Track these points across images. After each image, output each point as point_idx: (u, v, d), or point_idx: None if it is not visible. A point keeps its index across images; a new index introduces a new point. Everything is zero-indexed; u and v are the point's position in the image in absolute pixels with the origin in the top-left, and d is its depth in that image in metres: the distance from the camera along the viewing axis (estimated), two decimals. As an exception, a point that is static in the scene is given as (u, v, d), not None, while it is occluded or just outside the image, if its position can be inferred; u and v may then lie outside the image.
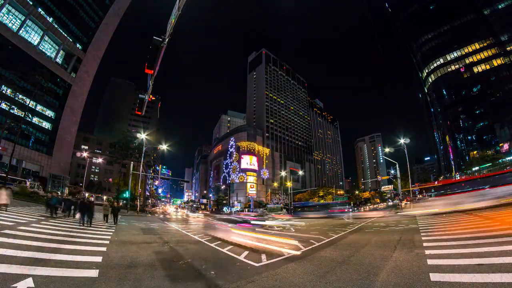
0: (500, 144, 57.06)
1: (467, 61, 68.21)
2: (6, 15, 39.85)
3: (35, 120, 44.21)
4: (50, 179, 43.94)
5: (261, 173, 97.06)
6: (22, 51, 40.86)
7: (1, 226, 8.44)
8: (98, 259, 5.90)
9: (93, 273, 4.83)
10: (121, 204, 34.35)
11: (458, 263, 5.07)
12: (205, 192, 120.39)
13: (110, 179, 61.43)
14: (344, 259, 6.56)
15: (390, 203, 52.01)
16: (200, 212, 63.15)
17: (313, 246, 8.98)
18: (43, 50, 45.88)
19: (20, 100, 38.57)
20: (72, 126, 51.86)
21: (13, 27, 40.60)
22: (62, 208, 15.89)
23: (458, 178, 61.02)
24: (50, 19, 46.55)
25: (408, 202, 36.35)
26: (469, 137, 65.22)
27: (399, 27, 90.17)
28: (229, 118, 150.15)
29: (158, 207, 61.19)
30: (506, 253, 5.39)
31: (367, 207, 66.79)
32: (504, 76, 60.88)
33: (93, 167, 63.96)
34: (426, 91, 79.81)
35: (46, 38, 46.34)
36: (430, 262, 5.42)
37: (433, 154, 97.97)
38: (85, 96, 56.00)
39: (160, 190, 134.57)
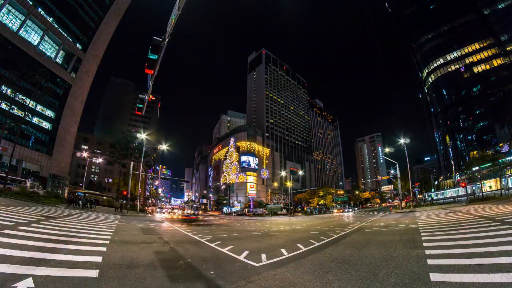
0: (500, 144, 57.07)
1: (467, 61, 68.25)
2: (6, 15, 39.83)
3: (35, 120, 44.20)
4: (50, 179, 43.97)
5: (261, 173, 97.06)
6: (22, 51, 40.82)
7: (1, 226, 8.44)
8: (98, 259, 5.90)
9: (93, 273, 4.83)
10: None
11: (458, 263, 5.07)
12: (205, 192, 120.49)
13: (110, 180, 61.43)
14: (344, 259, 6.56)
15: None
16: (201, 212, 63.05)
17: (313, 246, 8.98)
18: (43, 50, 45.87)
19: (20, 100, 38.57)
20: (72, 126, 51.83)
21: (13, 27, 40.58)
22: None
23: (458, 178, 61.07)
24: (50, 19, 46.53)
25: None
26: (469, 137, 65.26)
27: (399, 27, 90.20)
28: (229, 118, 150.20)
29: (157, 207, 60.98)
30: (506, 253, 5.39)
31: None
32: (504, 76, 60.92)
33: (93, 167, 63.94)
34: (426, 91, 79.86)
35: (46, 38, 46.33)
36: (430, 262, 5.42)
37: (433, 154, 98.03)
38: (85, 96, 55.99)
39: (160, 190, 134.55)
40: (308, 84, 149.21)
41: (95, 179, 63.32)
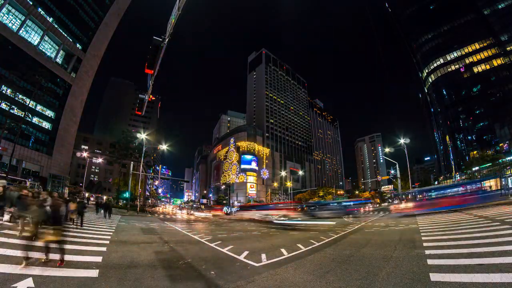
0: (500, 144, 57.06)
1: (467, 61, 68.23)
2: (6, 15, 39.82)
3: (35, 120, 44.19)
4: (50, 179, 43.95)
5: (261, 173, 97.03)
6: (22, 51, 40.79)
7: (1, 226, 8.44)
8: (98, 259, 5.90)
9: (93, 273, 4.83)
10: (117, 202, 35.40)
11: (458, 263, 5.07)
12: (205, 192, 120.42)
13: (110, 179, 61.46)
14: (344, 259, 6.56)
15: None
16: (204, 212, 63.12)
17: (313, 246, 8.98)
18: (43, 50, 45.85)
19: (20, 100, 38.56)
20: (72, 126, 51.81)
21: (13, 27, 40.56)
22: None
23: (458, 178, 61.07)
24: (50, 19, 46.52)
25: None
26: (469, 137, 65.21)
27: (399, 27, 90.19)
28: (229, 118, 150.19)
29: (158, 207, 61.13)
30: (506, 253, 5.39)
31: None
32: (504, 76, 60.90)
33: (93, 167, 63.95)
34: (426, 91, 79.83)
35: (46, 38, 46.31)
36: (430, 262, 5.42)
37: (433, 154, 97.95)
38: (85, 96, 55.96)
39: (160, 190, 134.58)
40: (308, 84, 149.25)
41: (95, 179, 63.31)
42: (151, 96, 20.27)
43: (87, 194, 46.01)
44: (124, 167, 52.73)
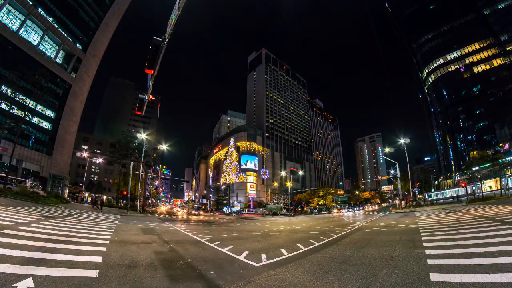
0: (500, 144, 57.08)
1: (467, 61, 68.26)
2: (6, 15, 39.82)
3: (35, 120, 44.18)
4: (50, 179, 43.95)
5: (261, 173, 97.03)
6: (22, 51, 40.79)
7: (1, 226, 8.45)
8: (98, 259, 5.89)
9: (93, 273, 4.82)
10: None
11: (458, 263, 5.06)
12: (205, 192, 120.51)
13: (110, 180, 61.45)
14: (344, 259, 6.56)
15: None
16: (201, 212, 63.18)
17: (313, 246, 8.98)
18: (43, 50, 45.85)
19: (20, 100, 38.54)
20: (72, 126, 51.79)
21: (13, 27, 40.57)
22: None
23: (458, 178, 61.08)
24: (50, 19, 46.51)
25: None
26: (469, 137, 65.25)
27: (399, 27, 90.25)
28: (229, 118, 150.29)
29: (158, 207, 61.11)
30: (506, 253, 5.39)
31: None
32: (504, 76, 60.91)
33: (93, 167, 63.94)
34: (426, 91, 79.88)
35: (46, 38, 46.31)
36: (430, 262, 5.41)
37: (433, 154, 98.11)
38: (85, 96, 55.94)
39: (160, 190, 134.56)
40: (308, 84, 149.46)
41: (95, 179, 63.30)
42: (151, 96, 20.28)
43: (87, 194, 46.03)
44: (124, 167, 52.75)
